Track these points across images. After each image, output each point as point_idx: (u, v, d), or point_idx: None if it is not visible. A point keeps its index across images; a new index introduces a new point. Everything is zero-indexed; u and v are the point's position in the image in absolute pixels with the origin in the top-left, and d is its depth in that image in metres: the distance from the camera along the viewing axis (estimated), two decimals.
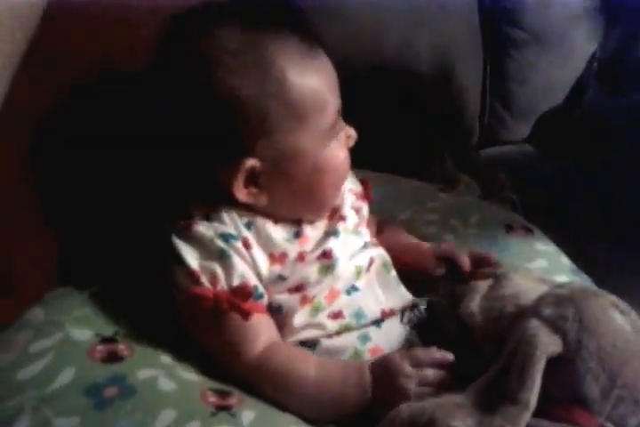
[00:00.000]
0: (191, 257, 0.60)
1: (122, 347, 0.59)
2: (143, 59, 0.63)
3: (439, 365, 0.59)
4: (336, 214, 0.68)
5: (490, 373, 0.53)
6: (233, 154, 0.60)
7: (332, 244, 0.65)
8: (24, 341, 0.59)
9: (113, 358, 0.58)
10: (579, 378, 0.51)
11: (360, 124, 1.13)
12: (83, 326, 0.61)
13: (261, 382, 0.59)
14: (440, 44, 1.27)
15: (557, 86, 1.36)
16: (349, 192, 0.72)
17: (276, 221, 0.64)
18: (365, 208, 0.75)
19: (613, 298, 0.56)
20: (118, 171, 0.69)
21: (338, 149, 0.64)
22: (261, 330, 0.61)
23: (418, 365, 0.59)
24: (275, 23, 0.62)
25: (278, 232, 0.64)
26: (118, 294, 0.66)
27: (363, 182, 0.77)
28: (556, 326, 0.53)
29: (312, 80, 0.61)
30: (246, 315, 0.59)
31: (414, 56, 1.24)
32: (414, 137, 1.19)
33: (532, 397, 0.49)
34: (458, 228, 0.84)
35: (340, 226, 0.67)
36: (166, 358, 0.60)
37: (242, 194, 0.61)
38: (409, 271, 0.72)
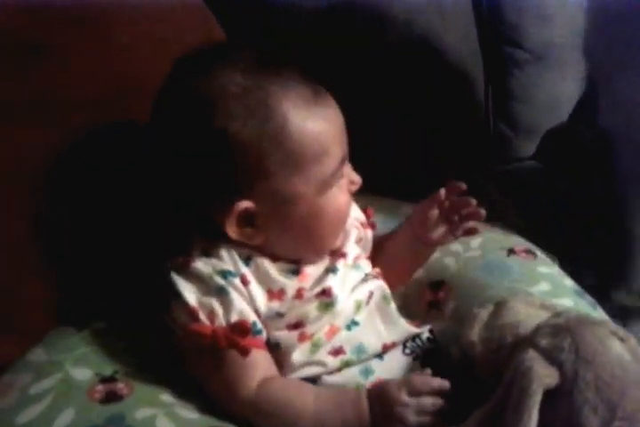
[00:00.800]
0: (189, 293, 0.60)
1: (121, 386, 0.60)
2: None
3: (437, 393, 0.59)
4: (337, 252, 0.67)
5: (487, 405, 0.53)
6: (227, 194, 0.60)
7: (332, 281, 0.64)
8: (24, 383, 0.60)
9: (112, 397, 0.58)
10: (577, 409, 0.50)
11: (361, 149, 1.15)
12: (82, 366, 0.61)
13: (259, 416, 0.59)
14: (438, 64, 1.28)
15: (562, 104, 1.35)
16: (353, 225, 0.72)
17: (275, 258, 0.64)
18: (369, 236, 0.75)
19: (612, 325, 0.56)
20: (118, 208, 0.70)
21: (338, 194, 0.64)
22: (259, 365, 0.60)
23: (415, 393, 0.58)
24: (279, 67, 0.62)
25: (277, 269, 0.64)
26: (119, 331, 0.66)
27: (364, 210, 0.76)
28: (552, 357, 0.53)
29: (314, 128, 0.60)
30: (245, 352, 0.58)
31: (411, 80, 1.25)
32: (416, 162, 1.19)
33: None
34: (459, 252, 0.83)
35: (340, 263, 0.66)
36: (166, 397, 0.60)
37: (235, 233, 0.61)
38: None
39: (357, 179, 0.67)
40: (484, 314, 0.65)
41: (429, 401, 0.58)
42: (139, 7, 0.74)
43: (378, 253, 0.75)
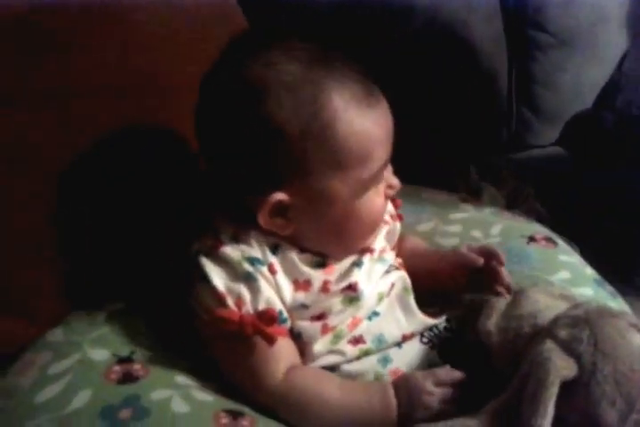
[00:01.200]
0: (218, 278, 0.59)
1: (137, 367, 0.60)
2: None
3: (458, 385, 0.59)
4: (366, 248, 0.66)
5: (503, 396, 0.52)
6: (264, 184, 0.59)
7: (357, 276, 0.64)
8: (43, 362, 0.60)
9: (128, 378, 0.59)
10: (594, 402, 0.50)
11: None
12: (100, 347, 0.62)
13: (285, 405, 0.59)
14: (463, 48, 1.26)
15: (586, 89, 1.33)
16: (384, 221, 0.70)
17: (302, 250, 0.63)
18: (397, 229, 0.74)
19: (632, 318, 0.55)
20: (147, 188, 0.70)
21: (375, 197, 0.62)
22: (284, 354, 0.60)
23: (440, 383, 0.59)
24: (337, 63, 0.59)
25: (303, 260, 0.62)
26: (138, 313, 0.67)
27: (392, 200, 0.74)
28: (570, 348, 0.52)
29: (362, 130, 0.58)
30: (271, 340, 0.58)
31: (435, 62, 1.23)
32: (438, 147, 1.17)
33: (546, 423, 0.48)
34: (479, 239, 0.82)
35: (366, 257, 0.66)
36: (182, 378, 0.60)
37: (266, 222, 0.60)
38: (428, 284, 0.71)
39: (396, 183, 0.65)
40: (501, 303, 0.64)
41: (452, 391, 0.59)
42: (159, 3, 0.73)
43: (405, 261, 0.73)
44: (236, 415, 0.57)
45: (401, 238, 0.77)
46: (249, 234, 0.61)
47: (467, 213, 0.87)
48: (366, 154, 0.59)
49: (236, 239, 0.61)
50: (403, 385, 0.59)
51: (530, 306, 0.62)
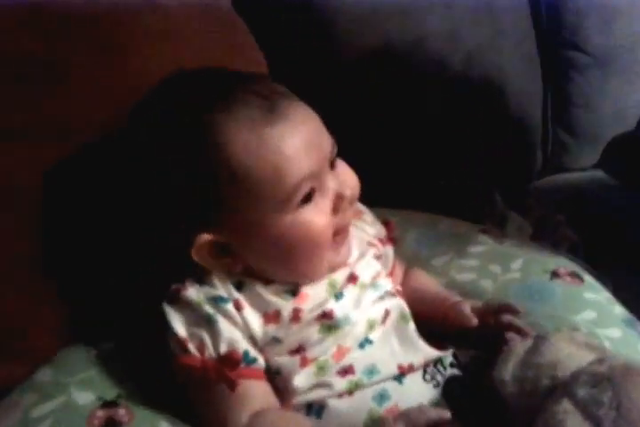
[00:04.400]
0: (179, 324, 0.59)
1: (122, 412, 0.58)
2: None
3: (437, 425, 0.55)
4: (347, 272, 0.64)
5: None
6: (189, 227, 0.59)
7: (333, 305, 0.61)
8: (28, 404, 0.59)
9: (111, 424, 0.56)
10: None
11: (407, 157, 1.11)
12: (86, 389, 0.60)
13: None
14: (494, 70, 1.21)
15: (627, 111, 1.27)
16: (369, 243, 0.69)
17: (268, 281, 0.62)
18: (390, 253, 0.72)
19: None
20: (116, 234, 0.69)
21: (311, 214, 0.59)
22: (252, 398, 0.58)
23: (410, 424, 0.54)
24: (229, 90, 0.59)
25: (271, 290, 0.61)
26: (127, 353, 0.65)
27: (385, 224, 0.73)
28: (588, 411, 0.47)
29: (260, 150, 0.57)
30: (233, 385, 0.56)
31: (466, 85, 1.19)
32: (466, 173, 1.13)
33: None
34: (497, 273, 0.78)
35: (348, 287, 0.63)
36: (166, 425, 0.58)
37: (213, 265, 0.60)
38: (429, 325, 0.67)
39: (348, 193, 0.61)
40: (520, 349, 0.60)
41: None
42: (156, 25, 0.72)
43: (407, 298, 0.70)
44: None
45: (406, 272, 0.74)
46: (212, 274, 0.61)
47: (486, 245, 0.82)
48: (275, 173, 0.57)
49: (200, 281, 0.61)
50: None
51: (550, 354, 0.57)
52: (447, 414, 0.55)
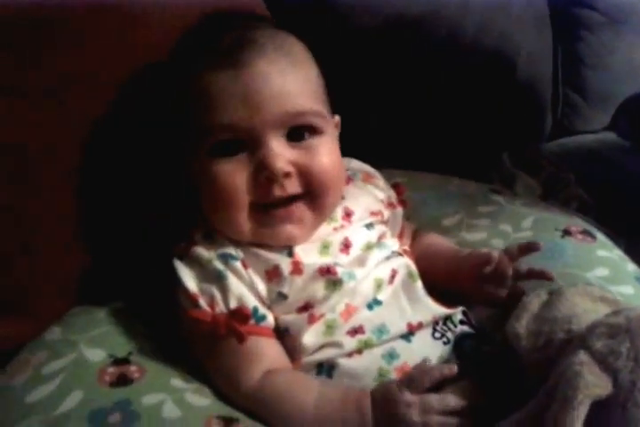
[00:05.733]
0: (190, 279, 0.59)
1: (133, 369, 0.58)
2: None
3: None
4: (342, 236, 0.63)
5: (524, 411, 0.47)
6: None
7: (332, 260, 0.61)
8: (39, 361, 0.59)
9: (122, 381, 0.56)
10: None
11: (414, 118, 1.09)
12: (97, 347, 0.60)
13: (259, 408, 0.56)
14: (503, 30, 1.18)
15: (639, 71, 1.24)
16: (372, 213, 0.67)
17: (262, 246, 0.61)
18: (399, 215, 0.71)
19: None
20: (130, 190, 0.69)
21: (221, 169, 0.58)
22: (263, 355, 0.58)
23: (418, 389, 0.53)
24: (218, 36, 0.60)
25: (268, 250, 0.61)
26: (137, 312, 0.65)
27: (395, 187, 0.72)
28: (606, 363, 0.46)
29: (200, 91, 0.58)
30: (242, 339, 0.56)
31: (478, 45, 1.16)
32: (475, 135, 1.11)
33: None
34: (508, 233, 0.76)
35: (342, 257, 0.62)
36: (177, 381, 0.58)
37: None
38: (445, 284, 0.66)
39: (271, 166, 0.57)
40: (535, 304, 0.59)
41: (435, 398, 0.53)
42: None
43: (418, 258, 0.69)
44: (228, 422, 0.54)
45: (417, 234, 0.74)
46: (220, 233, 0.61)
47: (496, 205, 0.81)
48: (197, 112, 0.58)
49: (209, 239, 0.61)
50: (379, 396, 0.54)
51: (565, 309, 0.56)
52: (452, 369, 0.54)
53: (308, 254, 0.61)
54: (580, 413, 0.43)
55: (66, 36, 0.65)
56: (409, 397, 0.53)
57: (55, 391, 0.55)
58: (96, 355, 0.59)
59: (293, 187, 0.59)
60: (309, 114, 0.59)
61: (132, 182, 0.68)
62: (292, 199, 0.60)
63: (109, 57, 0.67)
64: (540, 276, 0.64)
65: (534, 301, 0.59)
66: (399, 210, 0.71)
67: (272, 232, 0.60)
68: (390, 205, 0.70)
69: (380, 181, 0.72)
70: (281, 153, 0.58)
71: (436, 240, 0.73)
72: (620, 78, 1.27)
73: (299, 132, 0.59)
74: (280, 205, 0.59)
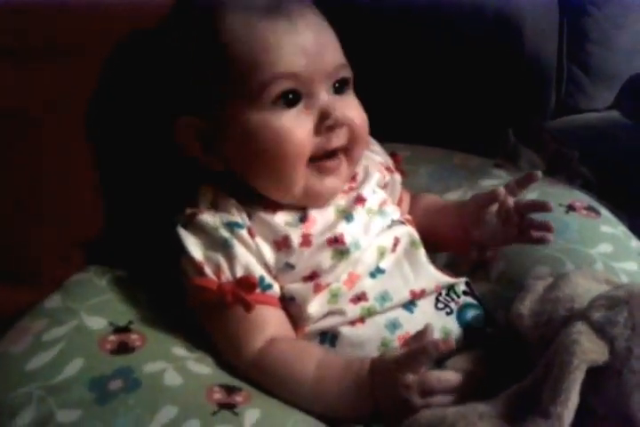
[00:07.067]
0: (195, 247, 0.58)
1: (134, 337, 0.57)
2: None
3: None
4: (353, 195, 0.63)
5: (525, 381, 0.47)
6: (174, 110, 0.60)
7: (343, 228, 0.60)
8: (38, 329, 0.58)
9: (123, 349, 0.56)
10: (626, 393, 0.44)
11: (417, 93, 1.08)
12: (97, 315, 0.59)
13: (260, 376, 0.56)
14: (509, 4, 1.17)
15: None
16: (375, 168, 0.68)
17: (276, 209, 0.61)
18: (397, 182, 0.71)
19: None
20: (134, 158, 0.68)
21: (284, 121, 0.57)
22: (267, 324, 0.58)
23: (415, 369, 0.52)
24: None
25: (279, 218, 0.61)
26: (138, 281, 0.64)
27: (392, 155, 0.73)
28: (603, 331, 0.46)
29: (248, 42, 0.57)
30: (249, 307, 0.56)
31: (476, 17, 1.15)
32: (478, 110, 1.10)
33: (567, 411, 0.43)
34: None
35: (357, 209, 0.62)
36: (179, 350, 0.57)
37: (199, 157, 0.61)
38: (449, 240, 0.67)
39: (334, 113, 0.58)
40: (540, 286, 0.59)
41: (434, 377, 0.52)
42: None
43: (420, 219, 0.70)
44: (230, 390, 0.54)
45: (414, 197, 0.74)
46: (227, 201, 0.60)
47: (500, 179, 0.80)
48: (253, 62, 0.57)
49: (215, 207, 0.61)
50: (379, 371, 0.53)
51: (569, 289, 0.56)
52: (449, 344, 0.52)
53: (323, 215, 0.61)
54: (577, 377, 0.44)
55: None
56: (407, 379, 0.51)
57: (56, 359, 0.55)
58: (97, 323, 0.58)
59: (343, 138, 0.60)
60: (348, 67, 0.61)
61: (135, 148, 0.67)
62: (336, 152, 0.61)
63: (118, 16, 0.65)
64: (541, 208, 0.63)
65: (539, 283, 0.59)
66: (397, 176, 0.71)
67: (321, 186, 0.60)
68: (388, 169, 0.70)
69: (376, 146, 0.72)
70: (335, 103, 0.59)
71: (435, 198, 0.74)
72: (624, 56, 1.26)
73: (341, 84, 0.61)
74: (329, 158, 0.60)
